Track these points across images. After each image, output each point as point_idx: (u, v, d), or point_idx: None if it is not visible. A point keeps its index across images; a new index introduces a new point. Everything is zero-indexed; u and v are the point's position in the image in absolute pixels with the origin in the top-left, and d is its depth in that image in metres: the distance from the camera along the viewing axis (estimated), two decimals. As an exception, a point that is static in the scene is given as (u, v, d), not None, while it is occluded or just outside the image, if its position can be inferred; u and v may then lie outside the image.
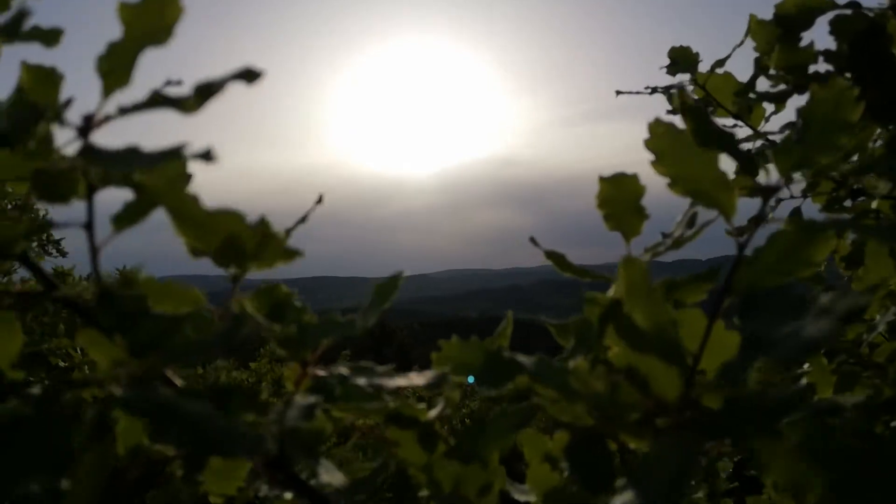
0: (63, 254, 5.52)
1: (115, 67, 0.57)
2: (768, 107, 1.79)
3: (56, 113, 0.52)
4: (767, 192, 0.86)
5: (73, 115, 0.57)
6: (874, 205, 1.54)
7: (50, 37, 0.62)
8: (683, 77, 1.88)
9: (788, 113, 1.78)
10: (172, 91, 0.56)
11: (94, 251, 0.63)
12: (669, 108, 1.89)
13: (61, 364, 3.55)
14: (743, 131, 1.84)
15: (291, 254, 0.69)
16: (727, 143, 0.83)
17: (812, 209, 1.76)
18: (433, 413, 0.92)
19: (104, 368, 0.67)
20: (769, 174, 0.87)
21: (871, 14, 1.29)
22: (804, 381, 1.79)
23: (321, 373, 0.84)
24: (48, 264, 5.11)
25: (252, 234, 0.66)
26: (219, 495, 0.97)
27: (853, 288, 1.60)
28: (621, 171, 1.00)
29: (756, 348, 0.67)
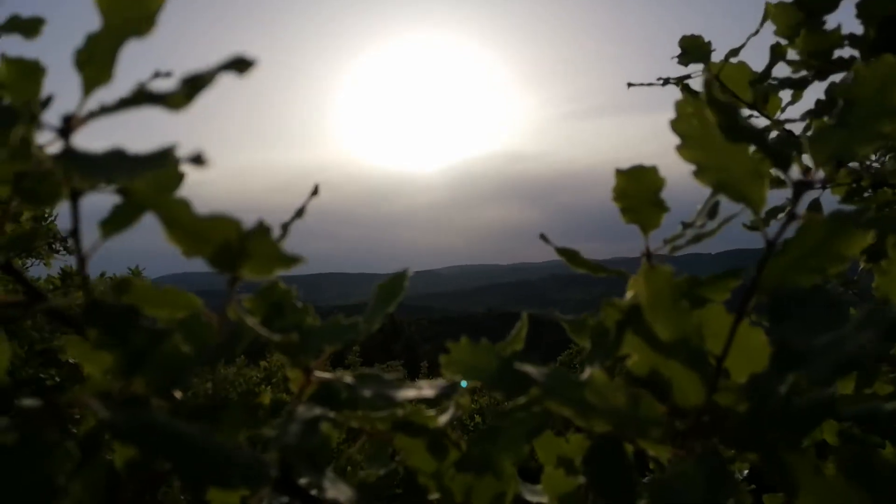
0: (72, 252, 5.48)
1: (94, 62, 0.52)
2: (784, 96, 1.74)
3: (33, 114, 0.48)
4: (801, 186, 0.81)
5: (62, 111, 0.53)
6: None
7: (29, 27, 0.57)
8: (696, 67, 1.82)
9: (805, 102, 1.73)
10: (160, 85, 0.51)
11: (81, 259, 0.59)
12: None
13: (72, 360, 3.51)
14: (759, 122, 1.79)
15: (289, 260, 0.64)
16: (757, 137, 0.78)
17: (831, 200, 1.71)
18: (443, 420, 0.88)
19: (97, 383, 0.63)
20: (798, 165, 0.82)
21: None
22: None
23: (326, 377, 0.79)
24: (58, 263, 5.09)
25: (248, 240, 0.62)
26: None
27: (878, 282, 1.55)
28: (640, 164, 0.96)
29: (790, 361, 0.62)
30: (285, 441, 0.71)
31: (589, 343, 0.88)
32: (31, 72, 0.58)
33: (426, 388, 0.74)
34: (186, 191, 0.92)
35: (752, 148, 0.84)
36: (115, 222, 0.58)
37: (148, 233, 0.87)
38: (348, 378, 0.78)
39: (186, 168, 0.50)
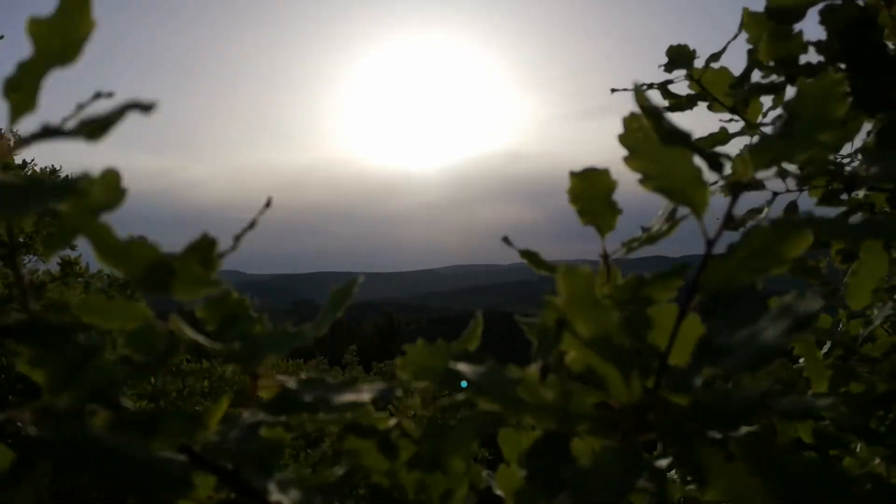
0: (72, 246, 5.57)
1: (22, 89, 0.54)
2: (766, 101, 1.75)
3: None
4: (737, 188, 0.83)
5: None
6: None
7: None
8: (679, 73, 1.84)
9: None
10: (100, 106, 0.53)
11: (20, 279, 0.61)
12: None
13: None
14: (738, 125, 1.80)
15: (215, 283, 0.66)
16: (686, 140, 0.80)
17: (809, 202, 1.72)
18: (391, 422, 0.90)
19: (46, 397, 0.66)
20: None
21: (861, 3, 1.25)
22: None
23: (272, 383, 0.81)
24: (56, 255, 5.13)
25: (174, 263, 0.64)
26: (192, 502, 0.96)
27: (849, 282, 1.56)
28: (592, 167, 0.97)
29: (706, 355, 0.64)
30: (225, 446, 0.73)
31: (535, 341, 0.90)
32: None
33: (364, 392, 0.76)
34: (187, 189, 0.95)
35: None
36: (54, 243, 0.60)
37: (149, 235, 0.88)
38: (291, 383, 0.80)
39: (200, 165, 0.52)
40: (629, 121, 0.88)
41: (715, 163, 0.80)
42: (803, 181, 1.67)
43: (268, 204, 0.94)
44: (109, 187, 0.62)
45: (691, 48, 1.77)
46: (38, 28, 0.56)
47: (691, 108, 1.79)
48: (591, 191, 0.99)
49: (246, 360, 0.80)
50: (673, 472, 0.98)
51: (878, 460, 1.55)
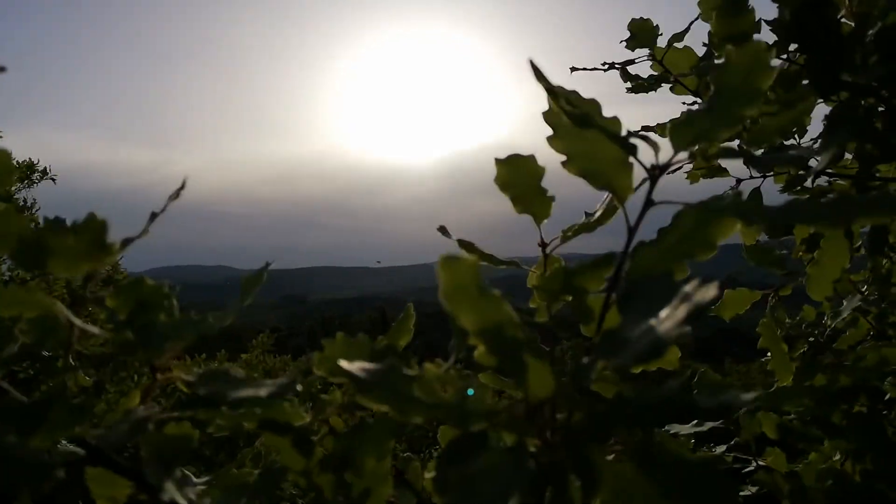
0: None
1: None
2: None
3: None
4: (655, 170, 0.78)
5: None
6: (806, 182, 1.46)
7: None
8: (642, 52, 1.79)
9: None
10: None
11: None
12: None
13: (45, 353, 3.52)
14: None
15: (99, 254, 0.62)
16: (596, 122, 0.75)
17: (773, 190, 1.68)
18: (307, 418, 0.86)
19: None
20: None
21: (816, -20, 1.20)
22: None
23: (170, 375, 0.77)
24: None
25: (47, 237, 0.60)
26: (108, 500, 0.92)
27: (809, 272, 1.52)
28: (516, 153, 0.93)
29: (606, 348, 0.60)
30: (108, 440, 0.70)
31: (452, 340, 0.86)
32: None
33: (262, 387, 0.72)
34: (177, 183, 0.90)
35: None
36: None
37: (137, 227, 0.86)
38: (189, 376, 0.76)
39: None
40: (554, 97, 0.83)
41: (627, 145, 0.75)
42: (765, 167, 1.63)
43: (182, 187, 0.90)
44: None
45: (654, 23, 1.72)
46: None
47: (654, 89, 1.74)
48: (519, 178, 0.95)
49: (142, 350, 0.76)
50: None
51: (837, 455, 1.51)
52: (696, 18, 1.60)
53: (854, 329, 1.70)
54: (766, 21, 1.24)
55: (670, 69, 1.73)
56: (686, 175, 1.86)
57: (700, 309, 0.54)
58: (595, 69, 1.78)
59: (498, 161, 0.93)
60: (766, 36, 1.29)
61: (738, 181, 1.71)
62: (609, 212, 0.95)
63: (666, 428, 1.71)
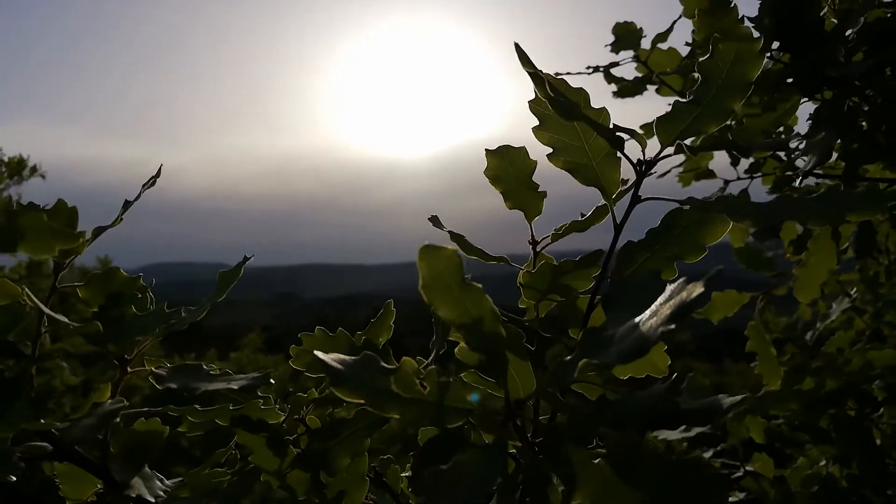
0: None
1: None
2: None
3: None
4: (641, 165, 0.76)
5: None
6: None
7: None
8: (627, 54, 1.78)
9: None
10: None
11: None
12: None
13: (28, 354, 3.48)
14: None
15: (70, 236, 0.60)
16: (583, 115, 0.73)
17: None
18: (282, 417, 0.83)
19: None
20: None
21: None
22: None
23: (142, 369, 0.75)
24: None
25: (16, 218, 0.58)
26: (74, 500, 0.89)
27: (796, 274, 1.51)
28: (507, 144, 0.91)
29: (589, 347, 0.58)
30: (73, 433, 0.67)
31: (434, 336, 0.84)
32: None
33: (235, 381, 0.70)
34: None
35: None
36: None
37: (125, 226, 0.83)
38: (160, 370, 0.74)
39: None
40: (539, 83, 0.81)
41: (614, 138, 0.73)
42: (752, 168, 1.62)
43: (157, 175, 0.88)
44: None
45: (638, 26, 1.71)
46: None
47: (640, 92, 1.73)
48: (509, 169, 0.92)
49: (112, 342, 0.74)
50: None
51: (823, 461, 1.49)
52: (680, 17, 1.59)
53: (843, 332, 1.69)
54: (749, 18, 1.23)
55: (656, 70, 1.72)
56: (677, 177, 1.84)
57: (686, 307, 0.52)
58: (579, 73, 1.77)
59: (488, 151, 0.91)
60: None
61: (726, 182, 1.70)
62: (600, 211, 0.92)
63: (655, 434, 1.69)
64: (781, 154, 1.52)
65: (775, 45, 1.17)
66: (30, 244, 0.62)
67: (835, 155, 1.30)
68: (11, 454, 0.54)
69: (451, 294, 0.57)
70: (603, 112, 0.77)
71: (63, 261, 0.79)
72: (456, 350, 0.76)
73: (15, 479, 0.58)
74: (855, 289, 1.72)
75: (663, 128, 0.77)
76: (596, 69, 1.73)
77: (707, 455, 1.74)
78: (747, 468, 1.64)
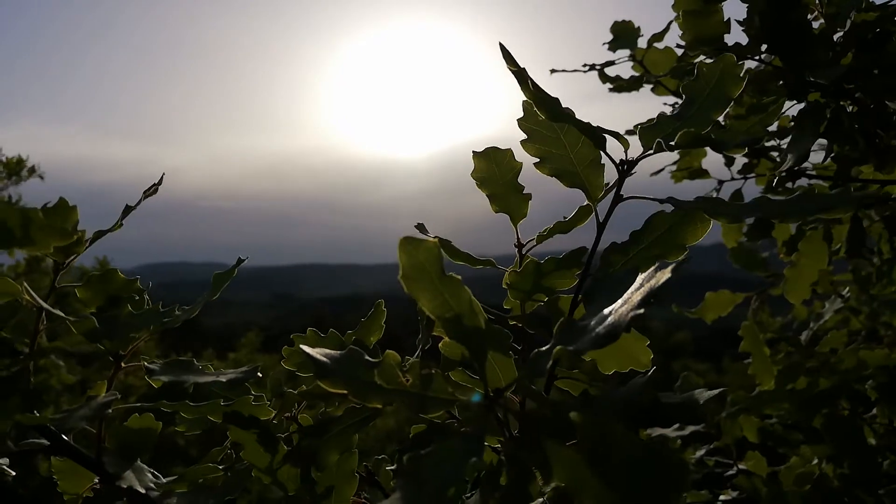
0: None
1: None
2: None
3: None
4: (624, 167, 0.78)
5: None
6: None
7: None
8: (624, 53, 1.80)
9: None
10: None
11: None
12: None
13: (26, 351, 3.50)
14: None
15: (66, 233, 0.62)
16: (570, 116, 0.75)
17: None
18: (272, 413, 0.85)
19: None
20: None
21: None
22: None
23: (136, 364, 0.77)
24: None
25: (22, 213, 0.60)
26: (71, 494, 0.91)
27: (787, 275, 1.52)
28: (493, 146, 0.93)
29: (558, 338, 0.60)
30: (66, 424, 0.69)
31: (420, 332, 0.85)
32: None
33: (223, 375, 0.71)
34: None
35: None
36: None
37: (126, 224, 0.85)
38: (153, 364, 0.76)
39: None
40: (528, 104, 0.84)
41: (596, 138, 0.75)
42: (746, 168, 1.63)
43: (159, 182, 0.90)
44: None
45: (636, 25, 1.72)
46: None
47: (637, 89, 1.74)
48: (496, 172, 0.94)
49: (106, 339, 0.76)
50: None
51: (815, 460, 1.51)
52: (675, 18, 1.61)
53: (836, 331, 1.70)
54: (737, 21, 1.24)
55: (652, 69, 1.74)
56: (670, 175, 1.86)
57: (654, 293, 0.54)
58: (576, 71, 1.79)
59: (475, 154, 0.92)
60: (738, 36, 1.29)
61: (720, 182, 1.72)
62: (584, 212, 0.94)
63: (648, 431, 1.71)
64: (776, 155, 1.53)
65: (763, 47, 1.19)
66: (24, 240, 0.63)
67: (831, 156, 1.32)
68: (4, 439, 0.55)
69: (431, 284, 0.59)
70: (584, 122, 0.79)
71: (63, 260, 0.81)
72: (440, 345, 0.78)
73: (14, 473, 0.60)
74: (847, 289, 1.73)
75: (645, 135, 0.79)
76: (592, 67, 1.75)
77: (700, 453, 1.75)
78: (740, 466, 1.65)
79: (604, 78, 1.75)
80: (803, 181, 1.62)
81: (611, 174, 0.84)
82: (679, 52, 1.67)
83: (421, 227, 1.08)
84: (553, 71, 1.73)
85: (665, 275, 0.54)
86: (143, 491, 0.72)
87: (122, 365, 0.78)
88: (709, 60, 0.92)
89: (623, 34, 1.77)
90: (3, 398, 0.66)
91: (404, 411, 0.65)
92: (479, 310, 0.61)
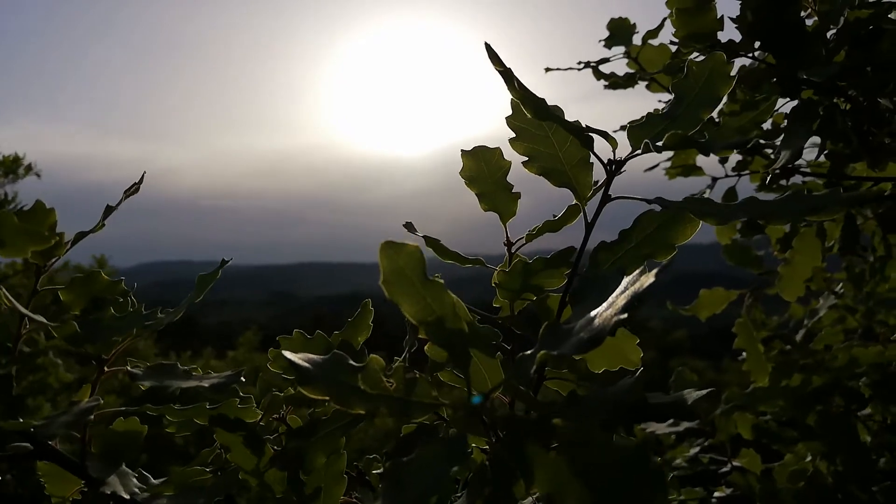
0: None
1: None
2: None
3: None
4: (612, 165, 0.78)
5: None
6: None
7: None
8: (619, 50, 1.79)
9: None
10: None
11: None
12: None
13: (25, 349, 3.50)
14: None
15: (45, 237, 0.61)
16: (557, 115, 0.75)
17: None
18: (259, 415, 0.84)
19: None
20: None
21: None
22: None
23: (118, 369, 0.76)
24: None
25: None
26: (59, 497, 0.91)
27: (780, 272, 1.52)
28: (483, 145, 0.92)
29: (543, 342, 0.59)
30: (48, 430, 0.69)
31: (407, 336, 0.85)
32: None
33: (206, 379, 0.71)
34: (164, 176, 0.90)
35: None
36: None
37: (122, 224, 0.84)
38: (136, 369, 0.75)
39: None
40: (517, 103, 0.83)
41: (584, 138, 0.75)
42: (740, 166, 1.63)
43: (140, 181, 0.89)
44: None
45: (632, 22, 1.72)
46: None
47: (631, 86, 1.74)
48: (484, 171, 0.93)
49: (89, 343, 0.75)
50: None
51: (809, 457, 1.50)
52: (669, 16, 1.60)
53: (831, 328, 1.70)
54: (730, 18, 1.23)
55: (647, 66, 1.73)
56: (664, 172, 1.85)
57: (638, 297, 0.54)
58: (570, 69, 1.78)
59: (464, 152, 0.92)
60: (732, 33, 1.28)
61: (714, 180, 1.71)
62: (572, 211, 0.94)
63: (643, 426, 1.70)
64: (770, 152, 1.52)
65: (757, 44, 1.18)
66: (3, 244, 0.63)
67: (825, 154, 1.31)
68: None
69: (412, 289, 0.58)
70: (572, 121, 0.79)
71: (43, 263, 0.80)
72: (426, 347, 0.77)
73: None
74: (841, 286, 1.73)
75: (634, 134, 0.79)
76: (587, 65, 1.74)
77: (695, 450, 1.75)
78: (735, 463, 1.65)
79: (598, 75, 1.74)
80: (797, 178, 1.62)
81: (600, 173, 0.84)
82: (673, 48, 1.66)
83: (409, 227, 1.07)
84: (548, 69, 1.73)
85: (649, 279, 0.53)
86: (126, 496, 0.72)
87: (106, 369, 0.77)
88: (702, 58, 0.91)
89: (619, 31, 1.76)
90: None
91: (387, 416, 0.64)
92: (464, 313, 0.61)
